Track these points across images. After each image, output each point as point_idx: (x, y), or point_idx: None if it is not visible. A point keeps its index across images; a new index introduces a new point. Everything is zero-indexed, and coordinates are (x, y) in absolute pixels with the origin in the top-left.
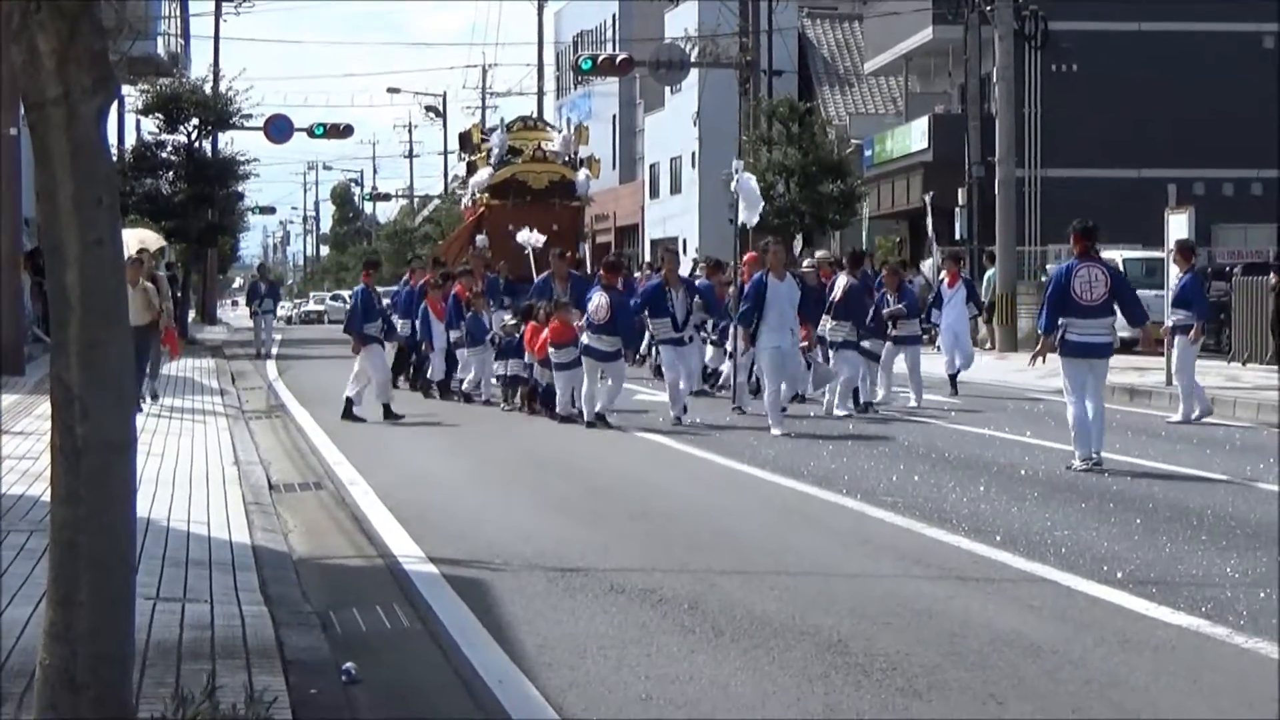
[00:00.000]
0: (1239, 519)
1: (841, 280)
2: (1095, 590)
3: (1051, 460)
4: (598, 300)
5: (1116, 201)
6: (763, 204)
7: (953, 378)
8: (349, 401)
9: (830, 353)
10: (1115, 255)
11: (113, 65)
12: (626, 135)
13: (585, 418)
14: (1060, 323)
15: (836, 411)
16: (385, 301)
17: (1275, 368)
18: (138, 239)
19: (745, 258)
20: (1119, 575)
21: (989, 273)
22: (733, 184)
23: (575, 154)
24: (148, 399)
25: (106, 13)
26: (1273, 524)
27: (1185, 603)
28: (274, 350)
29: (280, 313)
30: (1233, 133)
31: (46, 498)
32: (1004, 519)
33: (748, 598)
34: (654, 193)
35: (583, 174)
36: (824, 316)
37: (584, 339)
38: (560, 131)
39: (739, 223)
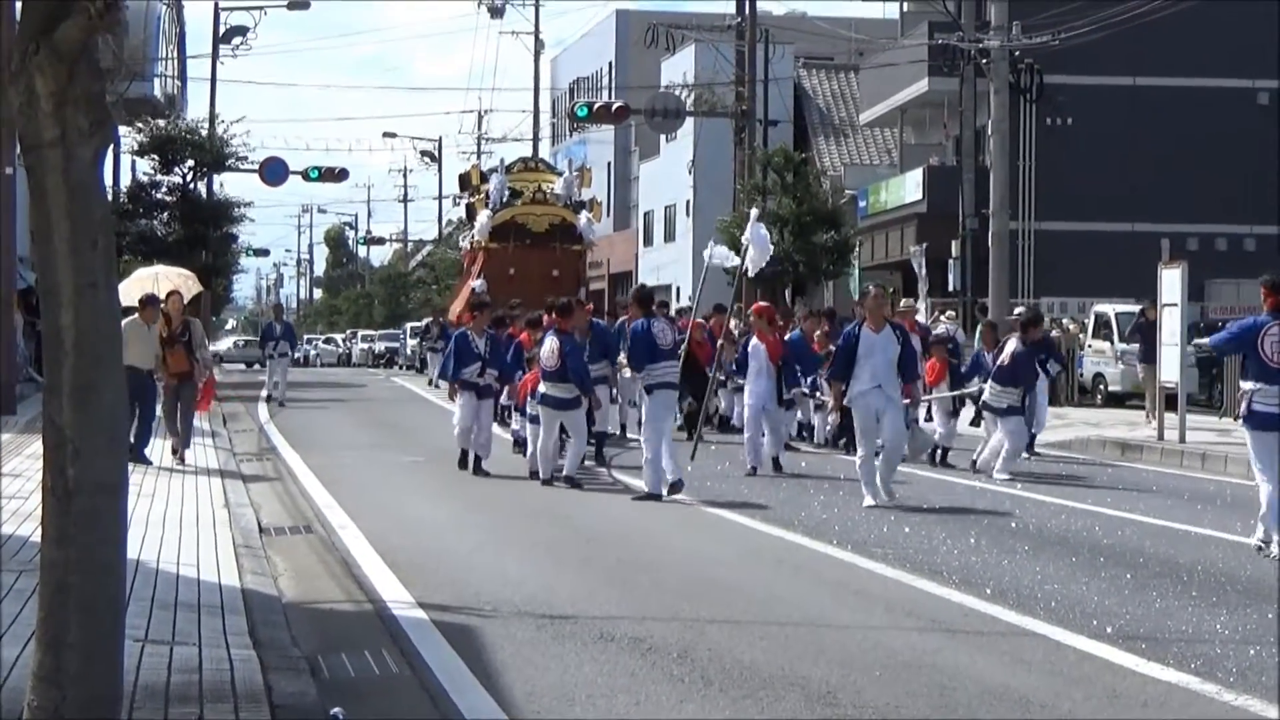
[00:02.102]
0: (1229, 575)
1: (1011, 344)
2: (1085, 645)
3: (1042, 514)
4: (548, 345)
5: (1109, 256)
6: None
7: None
8: (476, 458)
9: (996, 418)
10: (1108, 309)
11: (110, 107)
12: (621, 183)
13: (541, 474)
14: (1246, 389)
15: (998, 476)
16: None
17: None
18: (172, 280)
19: (754, 308)
20: (1109, 630)
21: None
22: (746, 230)
23: (577, 196)
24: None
25: (103, 53)
26: (1262, 581)
27: (1175, 659)
28: (284, 396)
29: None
30: (1226, 188)
31: (37, 538)
32: (994, 572)
33: (737, 647)
34: (648, 240)
35: (584, 217)
36: (990, 380)
37: (540, 387)
38: (561, 173)
39: (745, 271)
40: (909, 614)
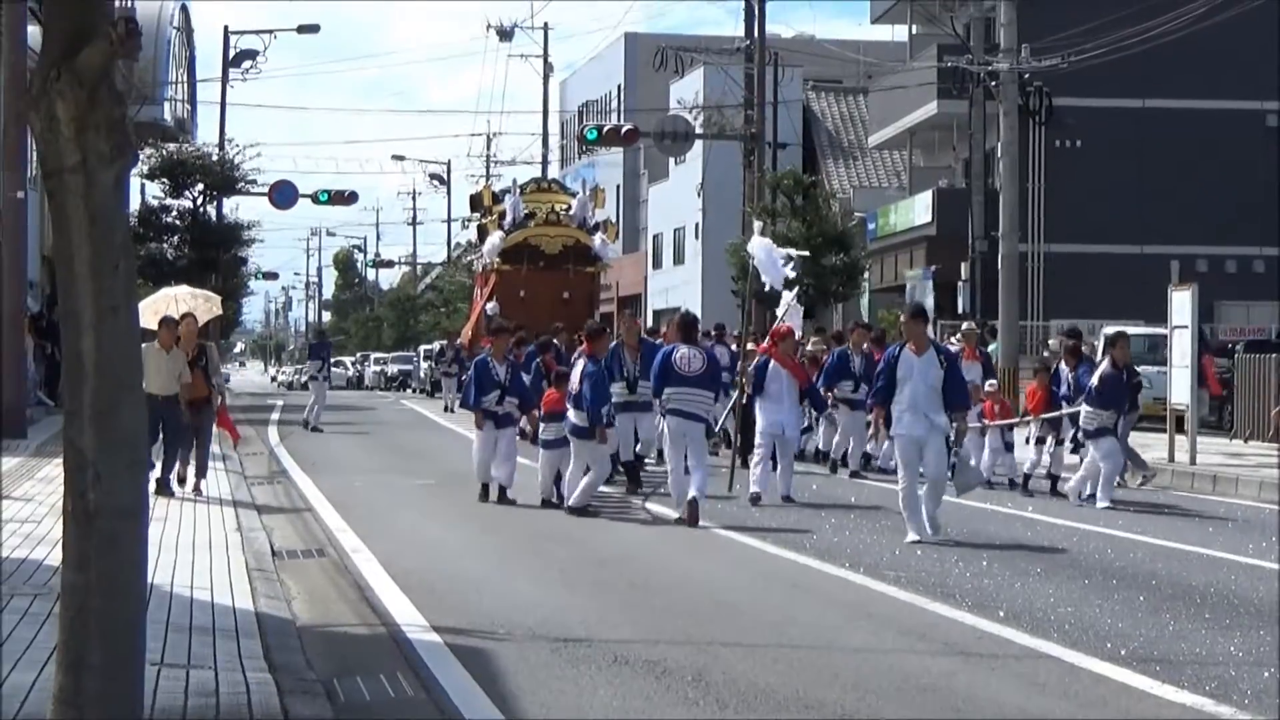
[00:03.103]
0: (1242, 597)
1: (1104, 366)
2: (1099, 667)
3: (1055, 536)
4: (576, 370)
5: (1119, 277)
6: (784, 261)
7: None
8: (501, 489)
9: (1087, 441)
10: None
11: (130, 132)
12: (630, 205)
13: (567, 500)
14: None
15: (1099, 505)
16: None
17: (1277, 445)
18: (187, 303)
19: (774, 330)
20: (1123, 652)
21: (991, 347)
22: (753, 252)
23: (592, 217)
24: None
25: (116, 78)
26: (1275, 602)
27: (1189, 681)
28: (319, 420)
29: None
30: (1236, 209)
31: (50, 561)
32: (1007, 594)
33: (751, 670)
34: (657, 263)
35: (598, 238)
36: (1081, 402)
37: (570, 415)
38: (575, 194)
39: (765, 287)
40: (922, 637)
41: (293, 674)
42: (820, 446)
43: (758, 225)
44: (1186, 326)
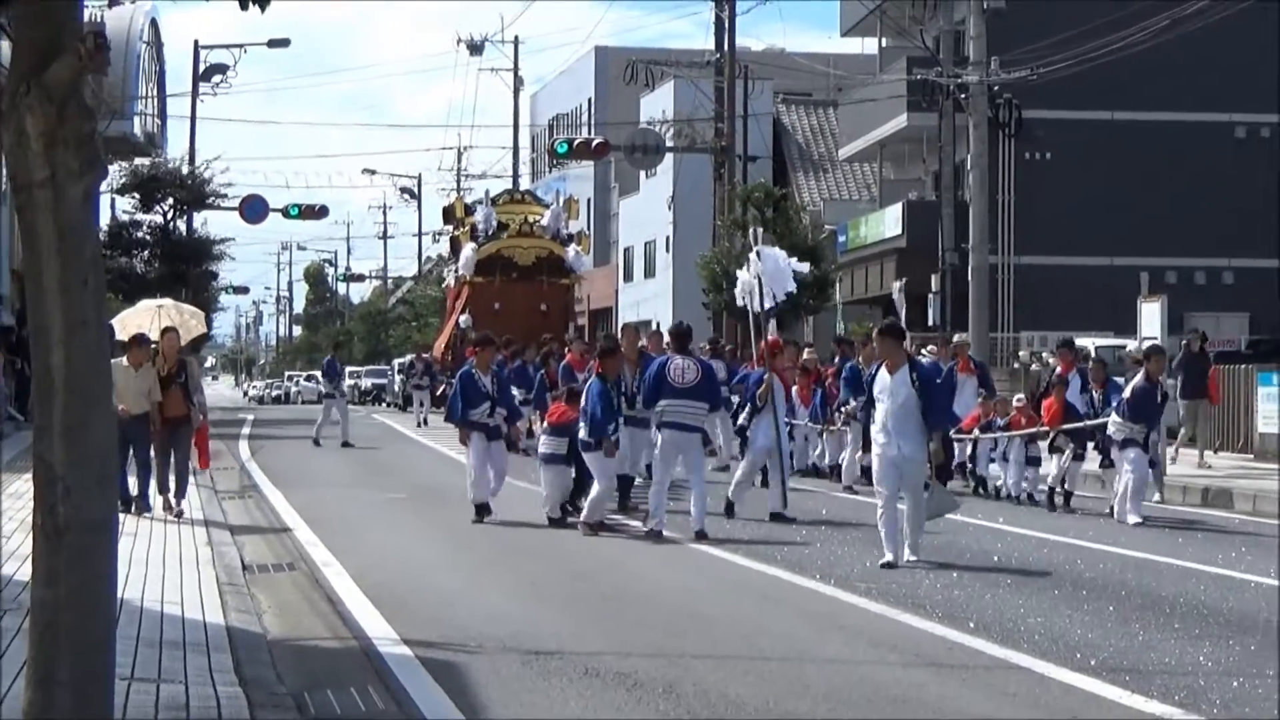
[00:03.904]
0: (1211, 608)
1: (1137, 379)
2: (1069, 678)
3: (1024, 547)
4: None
5: (1089, 289)
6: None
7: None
8: (480, 507)
9: (1114, 450)
10: (1088, 343)
11: (99, 147)
12: (601, 219)
13: (550, 512)
14: None
15: (1130, 520)
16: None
17: (1248, 456)
18: (171, 316)
19: (767, 343)
20: (1092, 663)
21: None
22: (753, 260)
23: (565, 229)
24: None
25: (85, 92)
26: (1245, 612)
27: (1159, 691)
28: (349, 435)
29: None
30: (1205, 221)
31: (20, 577)
32: (978, 605)
33: (722, 682)
34: (628, 276)
35: (573, 249)
36: (1112, 414)
37: (581, 433)
38: (549, 205)
39: (764, 304)
40: (893, 648)
41: (263, 688)
42: (830, 462)
43: (762, 233)
44: (1156, 338)
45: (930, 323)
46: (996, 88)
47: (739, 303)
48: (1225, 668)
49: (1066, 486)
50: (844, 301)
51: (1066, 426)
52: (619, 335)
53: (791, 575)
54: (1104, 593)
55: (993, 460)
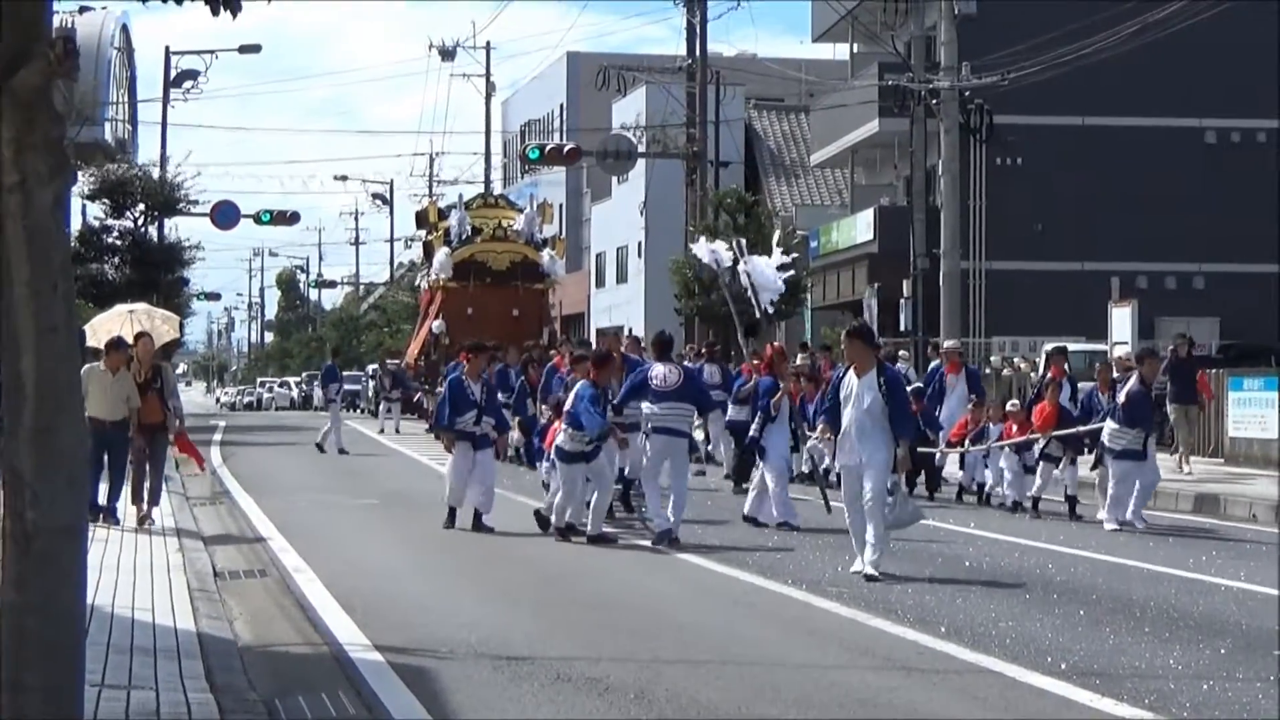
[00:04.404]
0: (1182, 611)
1: (1131, 383)
2: (1040, 681)
3: (996, 552)
4: (572, 394)
5: (1060, 294)
6: (776, 282)
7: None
8: (476, 515)
9: (1108, 459)
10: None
11: (68, 152)
12: (573, 224)
13: (554, 522)
14: None
15: (1138, 524)
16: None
17: (1218, 460)
18: (144, 322)
19: (769, 350)
20: (1063, 666)
21: (933, 364)
22: (742, 265)
23: (540, 233)
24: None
25: (55, 98)
26: (1214, 616)
27: (1129, 694)
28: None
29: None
30: (1176, 226)
31: None
32: (949, 610)
33: (693, 687)
34: (600, 282)
35: (547, 254)
36: (1108, 420)
37: (559, 439)
38: (523, 210)
39: (764, 311)
40: (864, 652)
41: (234, 694)
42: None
43: (745, 243)
44: (1126, 343)
45: (902, 328)
46: (968, 93)
47: (704, 260)
48: (1195, 671)
49: (1070, 493)
50: (816, 307)
51: (1059, 433)
52: (595, 343)
53: (763, 580)
54: (1075, 597)
55: (986, 467)
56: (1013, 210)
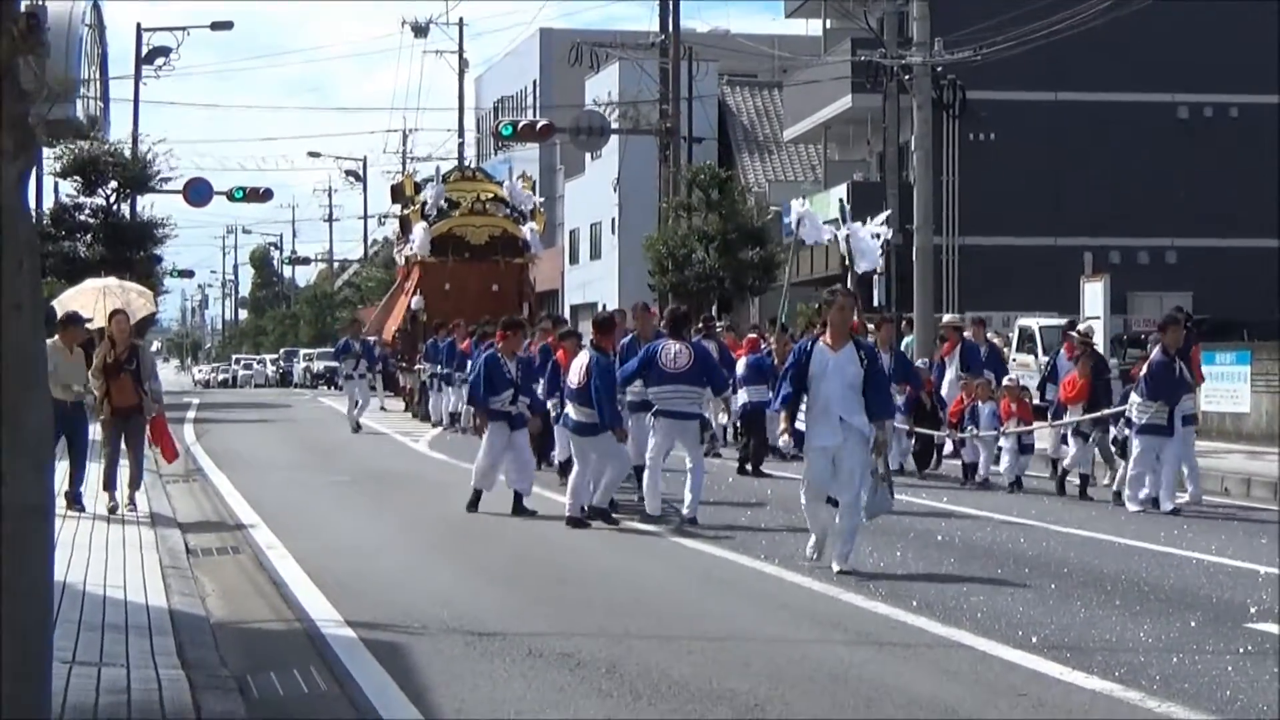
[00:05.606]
0: (1152, 585)
1: (1154, 353)
2: (1011, 655)
3: (967, 527)
4: (578, 362)
5: (1033, 269)
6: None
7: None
8: (517, 498)
9: (1131, 434)
10: (1032, 323)
11: (34, 129)
12: (547, 201)
13: (568, 509)
14: None
15: (1166, 505)
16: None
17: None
18: (117, 296)
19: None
20: (1034, 640)
21: (906, 340)
22: (842, 233)
23: (527, 203)
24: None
25: (26, 75)
26: (1185, 590)
27: (1099, 667)
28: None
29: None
30: (1148, 201)
31: None
32: (921, 584)
33: (665, 661)
34: (574, 258)
35: (529, 227)
36: (1131, 394)
37: (567, 409)
38: (502, 182)
39: (858, 271)
40: (836, 626)
41: (206, 670)
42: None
43: (848, 209)
44: (1099, 317)
45: (875, 303)
46: (940, 69)
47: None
48: (1165, 644)
49: (1082, 471)
50: (791, 282)
51: (1090, 415)
52: (605, 315)
53: (737, 555)
54: (1046, 571)
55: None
56: (985, 186)
